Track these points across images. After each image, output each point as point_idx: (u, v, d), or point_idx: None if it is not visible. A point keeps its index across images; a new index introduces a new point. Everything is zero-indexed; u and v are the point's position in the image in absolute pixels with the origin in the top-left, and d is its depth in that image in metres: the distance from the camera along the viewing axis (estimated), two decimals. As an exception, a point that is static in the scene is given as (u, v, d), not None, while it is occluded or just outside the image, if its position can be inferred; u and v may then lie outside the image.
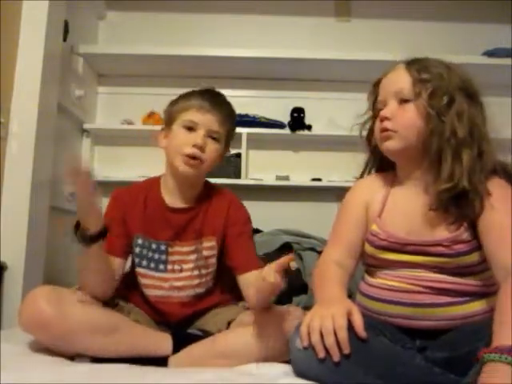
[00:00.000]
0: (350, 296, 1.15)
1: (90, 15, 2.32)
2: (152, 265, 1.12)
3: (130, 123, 2.27)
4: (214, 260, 1.13)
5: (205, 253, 1.13)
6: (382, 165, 1.07)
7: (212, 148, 1.11)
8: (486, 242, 0.88)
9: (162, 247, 1.12)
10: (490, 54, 2.11)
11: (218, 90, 1.21)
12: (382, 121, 0.97)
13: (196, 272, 1.12)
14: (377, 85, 1.03)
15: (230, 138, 1.18)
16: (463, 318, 0.88)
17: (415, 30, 2.35)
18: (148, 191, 1.16)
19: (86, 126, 2.23)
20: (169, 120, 1.15)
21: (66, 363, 0.91)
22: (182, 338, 1.02)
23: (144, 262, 1.12)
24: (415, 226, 0.95)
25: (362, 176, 1.10)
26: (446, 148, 0.91)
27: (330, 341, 0.77)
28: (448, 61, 0.98)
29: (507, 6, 2.34)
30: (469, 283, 0.91)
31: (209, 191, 1.17)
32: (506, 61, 2.06)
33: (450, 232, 0.91)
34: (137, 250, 1.12)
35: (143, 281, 1.13)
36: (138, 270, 1.13)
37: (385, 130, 0.96)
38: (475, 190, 0.89)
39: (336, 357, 0.77)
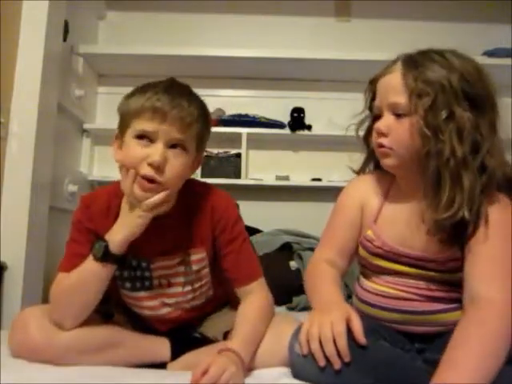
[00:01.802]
0: (350, 296, 1.15)
1: (90, 15, 2.32)
2: (138, 284, 0.98)
3: (130, 123, 2.27)
4: (206, 271, 1.01)
5: (194, 267, 0.99)
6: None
7: (175, 163, 0.87)
8: (464, 264, 0.84)
9: (143, 264, 0.98)
10: (490, 53, 2.11)
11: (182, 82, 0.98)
12: (377, 135, 0.91)
13: (188, 287, 1.00)
14: (374, 82, 0.95)
15: (202, 141, 0.95)
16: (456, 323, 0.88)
17: (415, 30, 2.36)
18: (121, 196, 0.94)
19: (86, 125, 2.23)
20: (121, 126, 0.93)
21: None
22: (181, 342, 0.99)
23: (128, 285, 0.99)
24: (410, 239, 0.92)
25: (359, 172, 1.05)
26: (444, 171, 0.82)
27: (329, 349, 0.76)
28: (454, 55, 0.88)
29: (507, 5, 2.35)
30: (461, 291, 0.88)
31: (188, 195, 0.98)
32: (506, 61, 2.07)
33: (444, 251, 0.88)
34: (116, 272, 0.94)
35: (132, 302, 1.01)
36: (123, 292, 1.00)
37: (381, 146, 0.90)
38: (474, 213, 0.82)
39: (337, 365, 0.75)
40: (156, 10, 2.42)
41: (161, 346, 0.98)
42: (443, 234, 0.86)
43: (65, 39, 1.82)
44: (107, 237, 0.89)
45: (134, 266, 0.98)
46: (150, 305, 1.00)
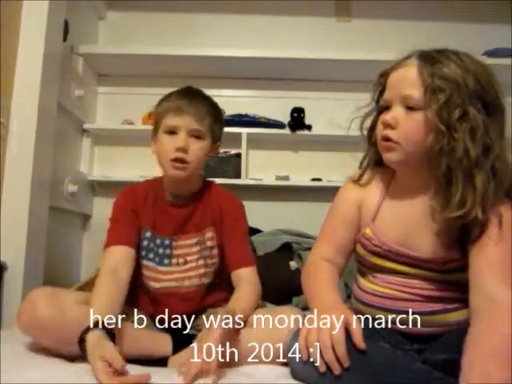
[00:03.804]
0: (350, 296, 1.15)
1: (90, 15, 2.32)
2: (157, 259, 1.14)
3: (130, 123, 2.27)
4: (216, 251, 1.16)
5: (208, 243, 1.16)
6: (381, 159, 0.98)
7: (196, 147, 1.11)
8: (472, 265, 0.83)
9: (167, 241, 1.14)
10: (490, 54, 2.11)
11: (197, 87, 1.21)
12: (384, 126, 0.89)
13: (202, 261, 1.15)
14: (384, 76, 0.93)
15: (216, 133, 1.19)
16: (457, 324, 0.87)
17: (415, 30, 2.36)
18: (154, 188, 1.19)
19: (86, 126, 2.23)
20: (155, 125, 1.17)
21: (66, 363, 0.91)
22: (182, 338, 1.03)
23: (150, 255, 1.14)
24: (409, 239, 0.92)
25: (360, 168, 1.03)
26: (456, 170, 0.81)
27: (328, 356, 0.75)
28: (468, 57, 0.87)
29: (507, 6, 2.35)
30: (457, 291, 0.89)
31: (207, 188, 1.21)
32: (506, 61, 2.07)
33: (444, 251, 0.88)
34: (145, 242, 1.14)
35: (148, 273, 1.14)
36: (145, 262, 1.14)
37: (386, 139, 0.88)
38: (485, 217, 0.81)
39: (336, 371, 0.75)
40: (156, 10, 2.42)
41: (163, 341, 1.03)
42: (451, 235, 0.85)
43: (65, 39, 1.82)
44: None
45: (159, 243, 1.15)
46: (165, 278, 1.13)
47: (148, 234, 1.14)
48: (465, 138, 0.80)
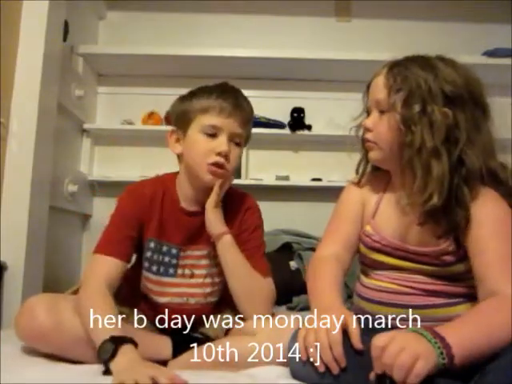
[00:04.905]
0: (350, 296, 1.15)
1: (90, 15, 2.32)
2: (161, 269, 1.06)
3: (130, 123, 2.27)
4: None
5: (217, 259, 1.06)
6: None
7: (235, 154, 1.03)
8: (474, 263, 0.86)
9: (174, 251, 1.06)
10: (490, 54, 2.11)
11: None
12: (364, 130, 0.98)
13: (208, 280, 1.08)
14: (369, 85, 1.01)
15: (249, 139, 1.11)
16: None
17: (415, 30, 2.36)
18: (165, 190, 1.07)
19: (86, 126, 2.23)
20: (183, 122, 1.05)
21: (66, 363, 0.90)
22: (182, 341, 1.01)
23: (154, 268, 1.06)
24: (405, 233, 0.95)
25: (357, 172, 1.07)
26: (415, 160, 0.88)
27: (326, 357, 0.75)
28: (441, 60, 0.92)
29: (507, 5, 2.34)
30: (459, 286, 0.91)
31: (226, 196, 1.08)
32: (506, 61, 2.06)
33: (437, 244, 0.91)
34: (148, 254, 1.05)
35: (152, 287, 1.07)
36: (147, 274, 1.07)
37: (367, 140, 0.97)
38: (458, 204, 0.86)
39: (335, 370, 0.75)
40: (156, 10, 2.42)
41: (163, 344, 1.00)
42: (436, 224, 0.89)
43: (65, 39, 1.82)
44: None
45: (164, 251, 1.06)
46: (168, 291, 1.06)
47: (152, 245, 1.05)
48: (423, 131, 0.86)
